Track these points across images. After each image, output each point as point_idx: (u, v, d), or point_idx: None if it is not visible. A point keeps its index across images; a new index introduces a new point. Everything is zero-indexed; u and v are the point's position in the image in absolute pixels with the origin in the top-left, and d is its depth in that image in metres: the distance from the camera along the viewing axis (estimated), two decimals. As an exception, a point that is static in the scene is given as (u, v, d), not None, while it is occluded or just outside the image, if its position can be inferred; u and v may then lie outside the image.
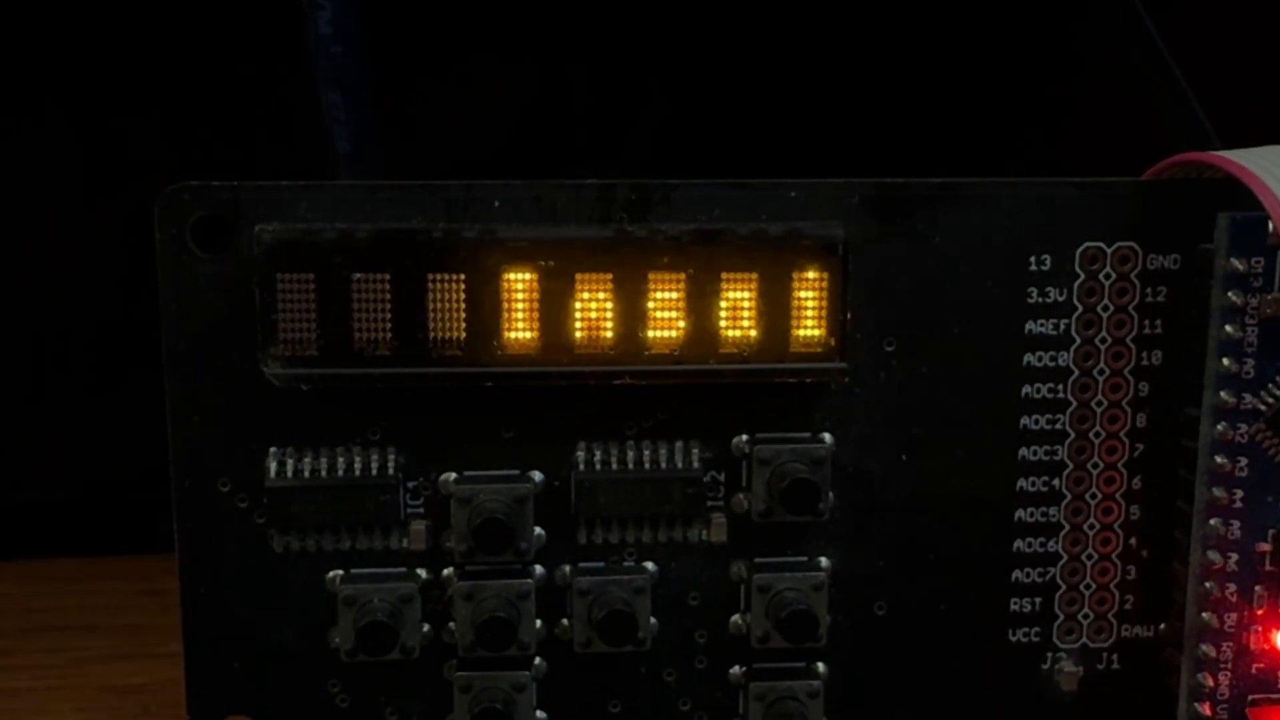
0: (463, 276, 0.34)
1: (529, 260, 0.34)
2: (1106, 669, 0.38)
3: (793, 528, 0.36)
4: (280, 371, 0.34)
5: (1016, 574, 0.37)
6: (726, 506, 0.36)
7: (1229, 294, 0.35)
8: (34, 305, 0.52)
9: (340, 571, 0.36)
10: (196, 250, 0.34)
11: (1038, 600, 0.37)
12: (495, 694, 0.36)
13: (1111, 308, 0.36)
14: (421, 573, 0.36)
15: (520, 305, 0.34)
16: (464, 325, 0.34)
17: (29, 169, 0.51)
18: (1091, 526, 0.37)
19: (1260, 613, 0.36)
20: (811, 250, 0.34)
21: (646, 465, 0.35)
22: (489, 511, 0.35)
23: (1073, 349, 0.36)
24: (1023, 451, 0.36)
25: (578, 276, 0.34)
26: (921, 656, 0.37)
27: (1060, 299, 0.36)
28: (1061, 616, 0.37)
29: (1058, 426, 0.36)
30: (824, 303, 0.34)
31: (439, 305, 0.34)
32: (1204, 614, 0.36)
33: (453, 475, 0.35)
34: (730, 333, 0.35)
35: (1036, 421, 0.36)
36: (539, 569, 0.36)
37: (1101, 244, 0.36)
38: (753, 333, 0.35)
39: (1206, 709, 0.36)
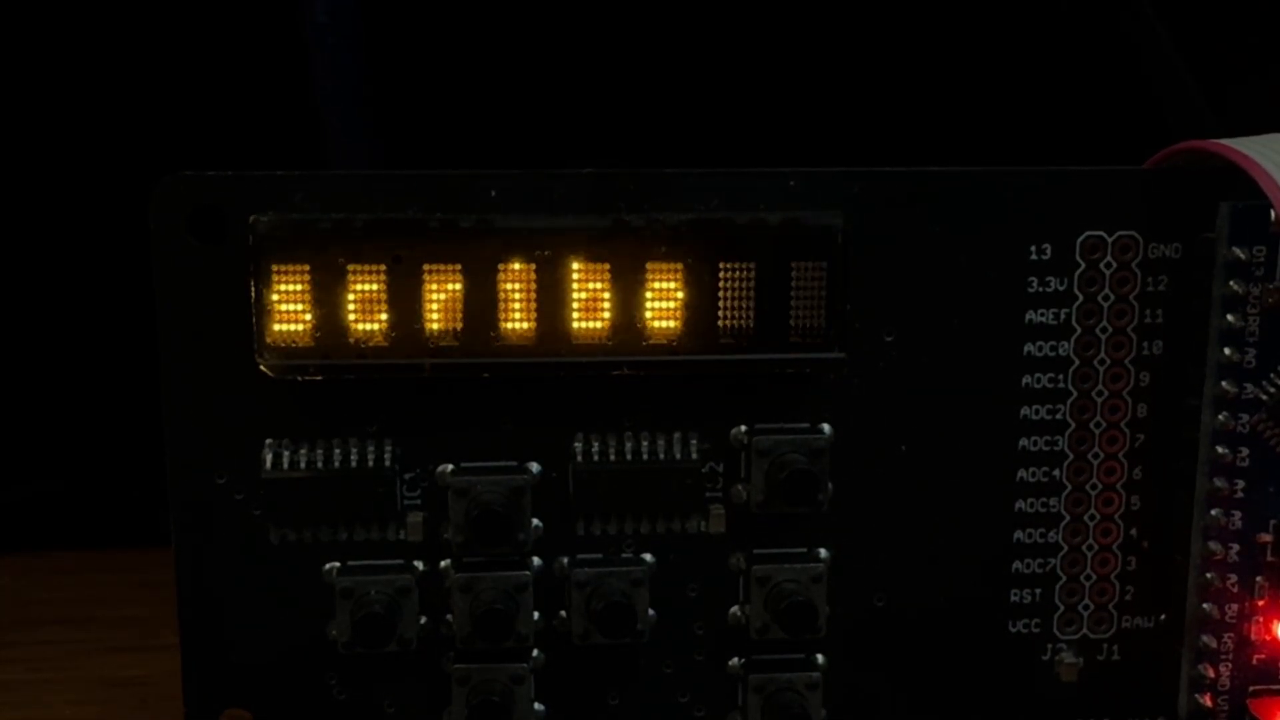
0: (459, 266, 0.34)
1: (526, 250, 0.34)
2: (1107, 660, 0.37)
3: (792, 519, 0.36)
4: (276, 363, 0.34)
5: (1016, 565, 0.37)
6: (725, 498, 0.36)
7: (1230, 283, 0.35)
8: (29, 296, 0.52)
9: (337, 564, 0.35)
10: (192, 240, 0.34)
11: (1038, 591, 0.37)
12: (493, 686, 0.36)
13: (1112, 297, 0.36)
14: (419, 565, 0.36)
15: (517, 295, 0.34)
16: (460, 315, 0.34)
17: (23, 161, 0.51)
18: (1092, 517, 0.37)
19: (1261, 603, 0.36)
20: (810, 240, 0.34)
21: (645, 456, 0.35)
22: (486, 503, 0.35)
23: (1073, 339, 0.36)
24: (1023, 442, 0.36)
25: (575, 266, 0.34)
26: (921, 648, 0.37)
27: (1061, 288, 0.36)
28: (1062, 607, 0.37)
29: (1058, 417, 0.36)
30: (823, 292, 0.34)
31: (435, 295, 0.34)
32: (1204, 605, 0.36)
33: (450, 467, 0.35)
34: (728, 323, 0.34)
35: (1037, 412, 0.36)
36: (537, 561, 0.36)
37: (1102, 233, 0.36)
38: (751, 323, 0.34)
39: (1207, 700, 0.36)
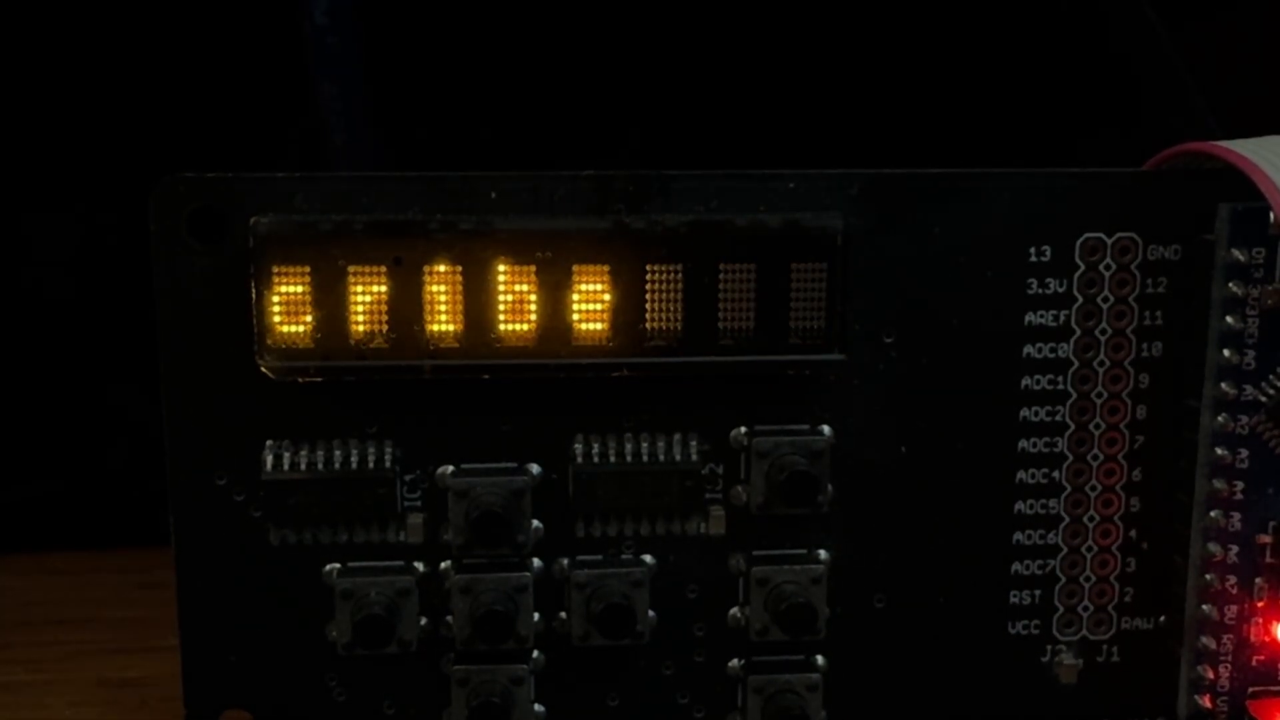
0: (459, 268, 0.34)
1: (526, 251, 0.34)
2: (1106, 661, 0.37)
3: (791, 520, 0.36)
4: (276, 364, 0.34)
5: (1016, 566, 0.37)
6: (725, 499, 0.36)
7: (1230, 285, 0.35)
8: (29, 296, 0.52)
9: (337, 565, 0.35)
10: (192, 242, 0.34)
11: (1037, 593, 0.37)
12: (493, 688, 0.36)
13: (1112, 299, 0.36)
14: (419, 566, 0.36)
15: (517, 297, 0.34)
16: (461, 317, 0.34)
17: (23, 161, 0.51)
18: (1091, 519, 0.37)
19: (1260, 605, 0.36)
20: (810, 241, 0.34)
21: (644, 458, 0.35)
22: (486, 505, 0.35)
23: (1072, 340, 0.36)
24: (1022, 443, 0.36)
25: (575, 268, 0.34)
26: (921, 649, 0.37)
27: (1060, 290, 0.36)
28: (1061, 609, 0.37)
29: (1057, 418, 0.36)
30: (823, 294, 0.34)
31: (436, 297, 0.34)
32: (1204, 606, 0.36)
33: (450, 468, 0.35)
34: (728, 324, 0.34)
35: (1036, 413, 0.36)
36: (537, 562, 0.36)
37: (1102, 235, 0.36)
38: (751, 324, 0.34)
39: (1206, 701, 0.36)
